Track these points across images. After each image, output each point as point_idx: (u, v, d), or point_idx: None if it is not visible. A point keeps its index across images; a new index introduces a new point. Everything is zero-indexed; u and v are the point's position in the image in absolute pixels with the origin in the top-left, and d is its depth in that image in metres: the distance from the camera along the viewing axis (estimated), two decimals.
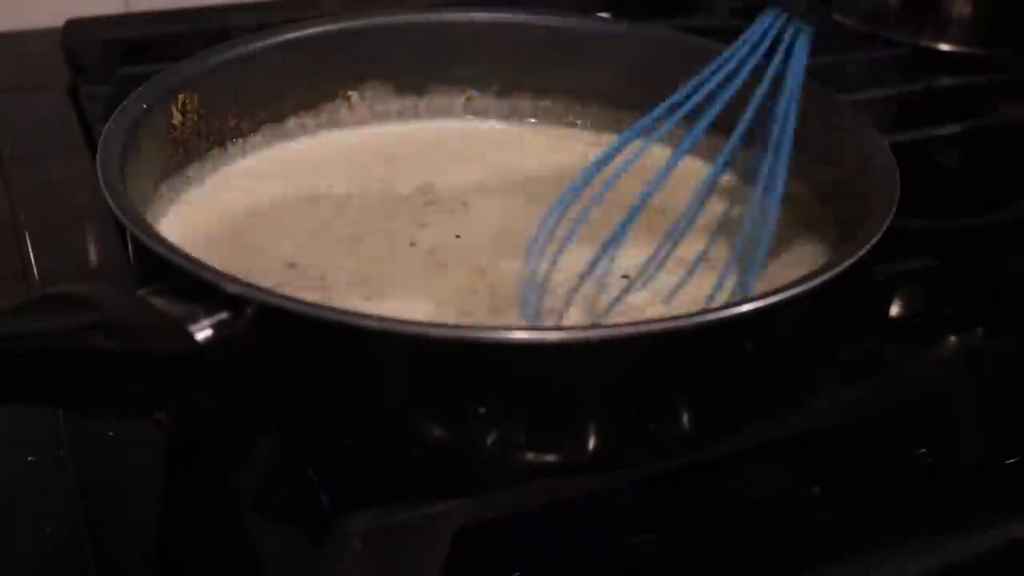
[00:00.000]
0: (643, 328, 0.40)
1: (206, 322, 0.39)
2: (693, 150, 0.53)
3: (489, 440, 0.41)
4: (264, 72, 0.60)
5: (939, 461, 0.52)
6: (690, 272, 0.50)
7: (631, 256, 0.51)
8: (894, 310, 0.57)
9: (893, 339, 0.54)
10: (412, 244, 0.55)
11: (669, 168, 0.51)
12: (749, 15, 0.53)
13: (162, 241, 0.43)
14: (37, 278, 0.63)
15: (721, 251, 0.52)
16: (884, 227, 0.46)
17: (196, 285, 0.40)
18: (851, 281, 0.46)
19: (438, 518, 0.41)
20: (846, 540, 0.48)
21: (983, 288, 0.60)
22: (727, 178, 0.59)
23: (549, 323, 0.48)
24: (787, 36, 0.52)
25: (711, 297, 0.49)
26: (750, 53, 0.52)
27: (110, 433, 0.51)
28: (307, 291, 0.50)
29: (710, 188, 0.52)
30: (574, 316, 0.49)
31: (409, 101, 0.65)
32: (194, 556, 0.46)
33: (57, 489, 0.49)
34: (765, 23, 0.52)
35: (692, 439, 0.44)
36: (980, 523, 0.49)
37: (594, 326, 0.42)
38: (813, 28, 0.52)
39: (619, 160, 0.51)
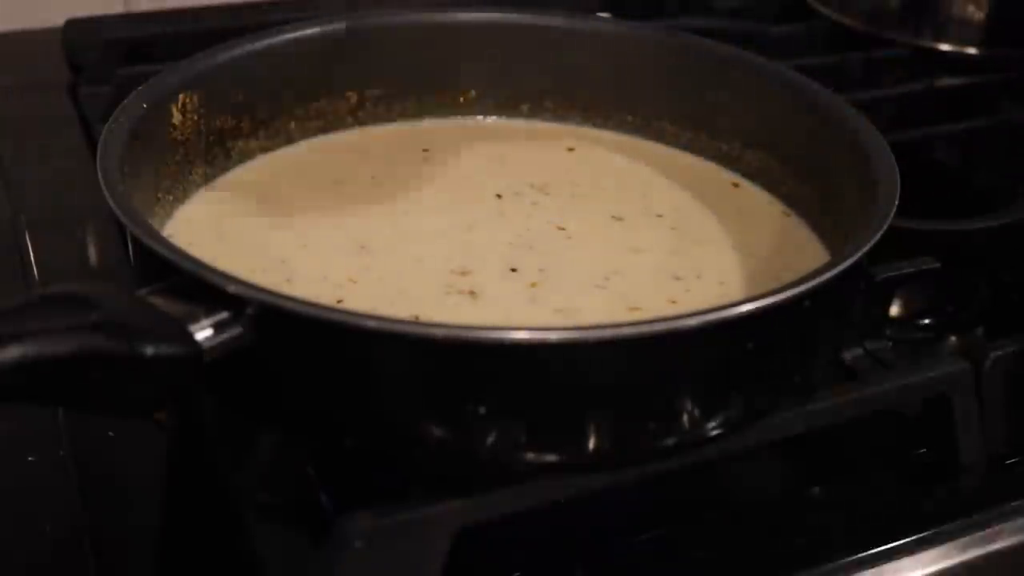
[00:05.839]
0: (643, 328, 0.40)
1: (206, 322, 0.39)
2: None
3: (489, 440, 0.41)
4: (265, 72, 0.60)
5: (939, 461, 0.52)
6: None
7: None
8: (894, 310, 0.57)
9: (893, 339, 0.54)
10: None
11: None
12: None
13: (162, 241, 0.43)
14: (37, 278, 0.63)
15: None
16: (884, 227, 0.46)
17: (196, 285, 0.40)
18: (851, 281, 0.46)
19: (438, 518, 0.41)
20: (846, 540, 0.48)
21: (983, 288, 0.60)
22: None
23: None
24: None
25: None
26: None
27: (110, 433, 0.51)
28: (308, 291, 0.50)
29: None
30: None
31: (410, 101, 0.65)
32: (194, 556, 0.46)
33: (57, 489, 0.49)
34: None
35: (692, 439, 0.44)
36: (980, 523, 0.49)
37: (594, 326, 0.41)
38: None
39: None
